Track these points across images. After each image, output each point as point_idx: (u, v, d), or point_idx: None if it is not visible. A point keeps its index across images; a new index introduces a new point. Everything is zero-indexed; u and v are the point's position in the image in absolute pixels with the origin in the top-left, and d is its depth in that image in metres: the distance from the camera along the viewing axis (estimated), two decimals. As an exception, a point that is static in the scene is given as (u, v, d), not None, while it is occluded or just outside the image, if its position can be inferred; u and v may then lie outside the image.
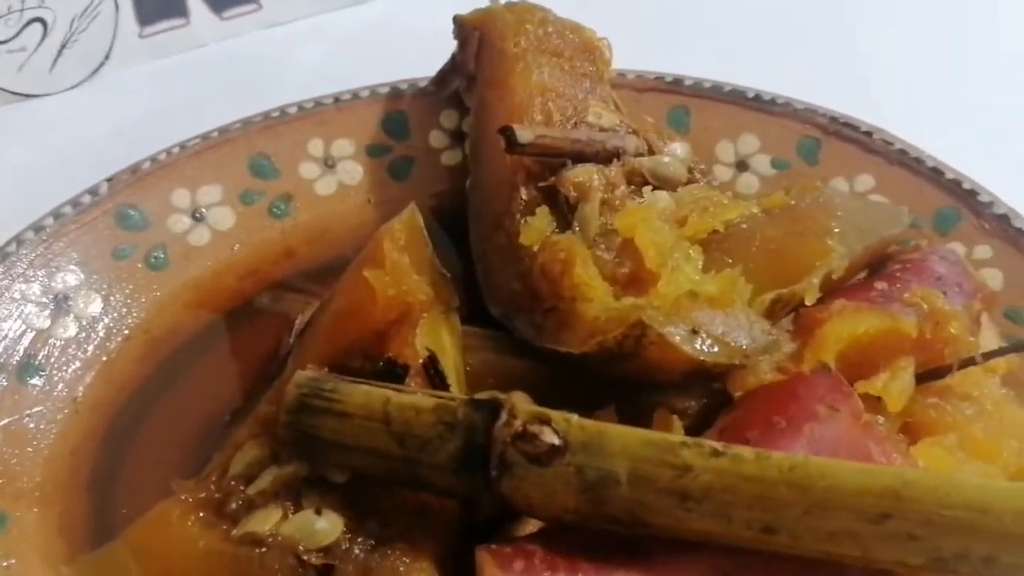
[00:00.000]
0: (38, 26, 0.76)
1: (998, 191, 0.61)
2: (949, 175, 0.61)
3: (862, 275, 0.56)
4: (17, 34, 0.75)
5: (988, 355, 0.52)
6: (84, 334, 0.57)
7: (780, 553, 0.40)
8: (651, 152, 0.58)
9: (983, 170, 0.62)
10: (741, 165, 0.66)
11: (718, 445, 0.40)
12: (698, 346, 0.45)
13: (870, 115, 0.65)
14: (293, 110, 0.65)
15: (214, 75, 0.81)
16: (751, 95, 0.66)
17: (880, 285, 0.54)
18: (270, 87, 0.74)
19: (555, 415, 0.42)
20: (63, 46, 0.77)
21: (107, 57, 0.80)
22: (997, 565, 0.37)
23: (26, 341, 0.55)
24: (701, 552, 0.41)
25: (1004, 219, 0.59)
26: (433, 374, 0.48)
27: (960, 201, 0.61)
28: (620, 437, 0.41)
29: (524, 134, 0.53)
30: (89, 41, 0.78)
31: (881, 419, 0.51)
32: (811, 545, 0.39)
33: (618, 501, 0.40)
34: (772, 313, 0.49)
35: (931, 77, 0.80)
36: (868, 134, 0.64)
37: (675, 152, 0.58)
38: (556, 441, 0.41)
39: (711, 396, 0.51)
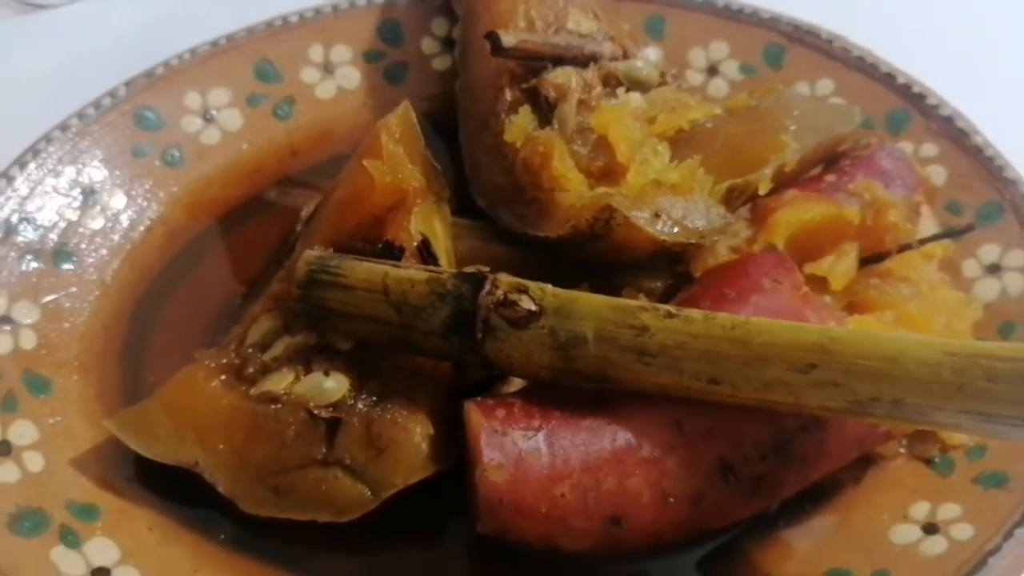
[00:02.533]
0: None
1: (948, 94, 0.66)
2: (901, 79, 0.66)
3: (817, 170, 0.62)
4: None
5: (924, 240, 0.58)
6: (110, 224, 0.62)
7: (724, 403, 0.46)
8: (626, 57, 0.62)
9: (936, 75, 0.67)
10: (712, 70, 0.70)
11: (672, 308, 0.46)
12: (659, 227, 0.51)
13: (834, 23, 0.69)
14: (295, 19, 0.69)
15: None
16: (721, 4, 0.70)
17: (830, 178, 0.59)
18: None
19: (532, 285, 0.47)
20: None
21: None
22: (903, 406, 0.43)
23: (58, 230, 0.60)
24: (657, 403, 0.47)
25: (949, 120, 0.64)
26: (426, 255, 0.53)
27: (910, 103, 0.65)
28: (588, 303, 0.47)
29: (508, 38, 0.58)
30: None
31: (828, 298, 0.57)
32: (750, 394, 0.45)
33: (586, 358, 0.47)
34: (729, 201, 0.55)
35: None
36: (829, 41, 0.68)
37: (648, 57, 0.63)
38: (532, 307, 0.47)
39: (675, 277, 0.57)
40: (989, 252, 0.60)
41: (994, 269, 0.60)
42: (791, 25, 0.69)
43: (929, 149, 0.64)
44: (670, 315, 0.45)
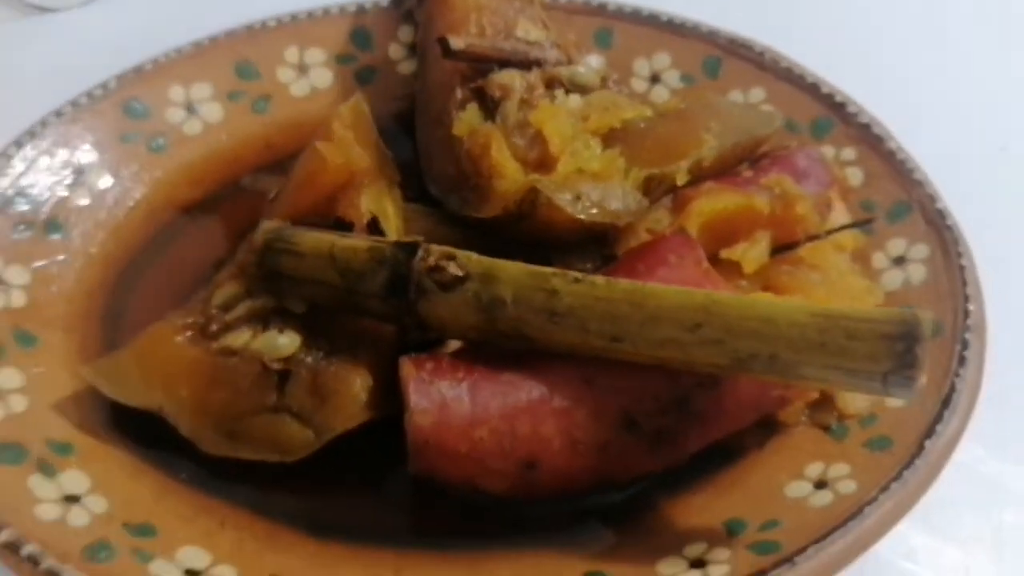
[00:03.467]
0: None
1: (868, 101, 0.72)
2: (825, 89, 0.72)
3: (745, 167, 0.67)
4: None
5: (830, 231, 0.64)
6: (97, 202, 0.67)
7: (627, 360, 0.52)
8: (569, 63, 0.68)
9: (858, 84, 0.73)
10: (654, 78, 0.76)
11: (578, 274, 0.52)
12: (579, 208, 0.57)
13: (767, 36, 0.76)
14: (272, 23, 0.75)
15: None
16: (665, 19, 0.76)
17: (747, 173, 0.65)
18: (255, 3, 0.83)
19: (459, 253, 0.53)
20: None
21: None
22: (777, 362, 0.48)
23: (50, 204, 0.66)
24: (570, 361, 0.53)
25: (866, 127, 0.70)
26: (375, 232, 0.59)
27: (832, 111, 0.71)
28: (507, 269, 0.52)
29: (456, 42, 0.64)
30: None
31: (744, 282, 0.63)
32: (647, 351, 0.51)
33: (505, 319, 0.52)
34: (648, 189, 0.60)
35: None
36: (761, 54, 0.74)
37: (589, 64, 0.69)
38: (459, 272, 0.53)
39: (603, 260, 0.62)
40: (896, 245, 0.66)
41: (900, 261, 0.65)
42: (727, 39, 0.75)
43: (848, 153, 0.70)
44: (577, 280, 0.51)
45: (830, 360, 0.48)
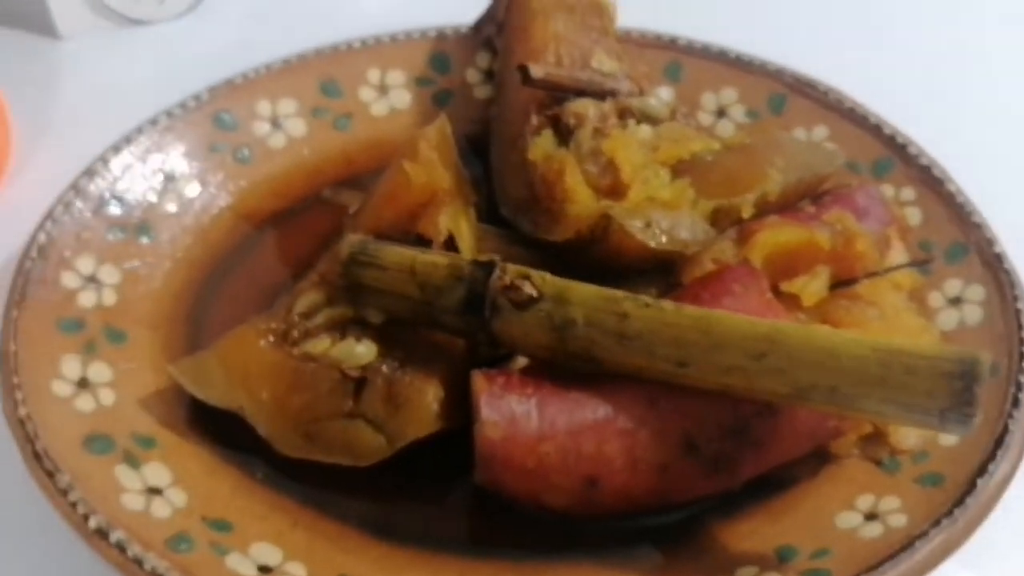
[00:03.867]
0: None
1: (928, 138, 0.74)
2: (887, 130, 0.73)
3: (806, 202, 0.69)
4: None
5: (888, 269, 0.66)
6: (184, 208, 0.71)
7: (691, 385, 0.54)
8: (640, 94, 0.71)
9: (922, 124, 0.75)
10: (721, 113, 0.78)
11: (649, 299, 0.54)
12: (649, 235, 0.59)
13: (829, 75, 0.78)
14: (357, 44, 0.78)
15: (297, 10, 0.93)
16: (733, 55, 0.78)
17: (809, 209, 0.67)
18: (343, 21, 0.87)
19: (534, 273, 0.56)
20: None
21: None
22: (837, 394, 0.50)
23: (141, 208, 0.69)
24: (636, 383, 0.55)
25: (926, 169, 0.71)
26: (451, 250, 0.62)
27: (894, 151, 0.73)
28: (580, 291, 0.55)
29: (536, 70, 0.66)
30: None
31: (802, 315, 0.65)
32: (711, 377, 0.53)
33: (576, 340, 0.54)
34: (716, 220, 0.62)
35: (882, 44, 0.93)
36: (825, 93, 0.76)
37: (660, 96, 0.72)
38: (533, 292, 0.55)
39: (668, 286, 0.64)
40: (952, 286, 0.67)
41: (956, 301, 0.67)
42: (793, 77, 0.77)
43: (907, 193, 0.72)
44: (647, 305, 0.54)
45: (889, 394, 0.49)
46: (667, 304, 0.53)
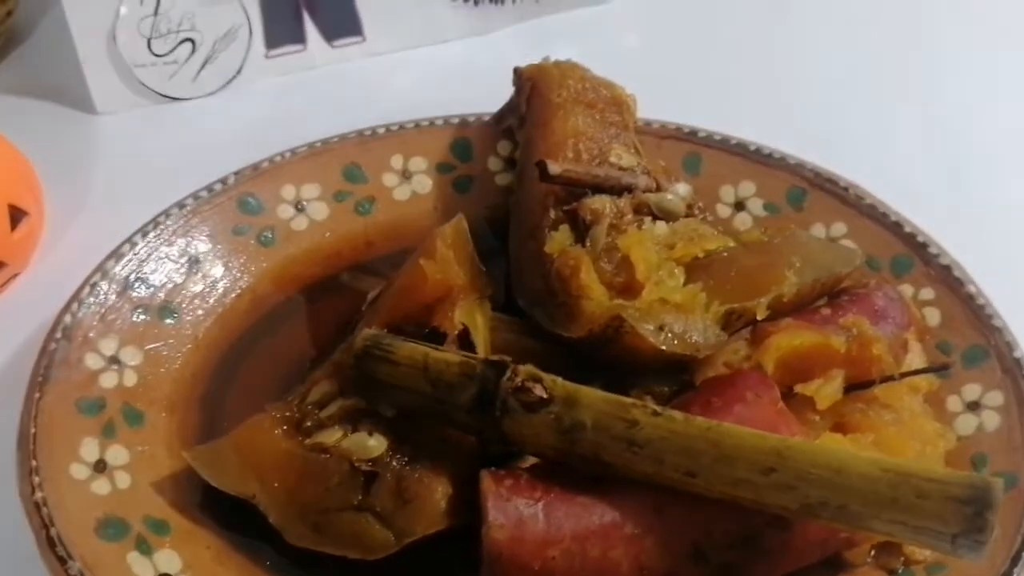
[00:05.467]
0: (188, 44, 0.92)
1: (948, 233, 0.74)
2: (907, 228, 0.73)
3: (823, 302, 0.69)
4: (172, 50, 0.92)
5: (904, 374, 0.65)
6: (207, 289, 0.72)
7: (699, 495, 0.54)
8: (658, 189, 0.72)
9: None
10: (739, 206, 0.78)
11: (658, 407, 0.54)
12: (661, 339, 0.59)
13: (848, 169, 0.78)
14: (382, 130, 0.80)
15: (323, 92, 0.96)
16: (753, 148, 0.79)
17: (825, 311, 0.66)
18: (367, 105, 0.89)
19: (545, 376, 0.56)
20: (206, 61, 0.93)
21: (239, 72, 0.95)
22: (847, 512, 0.50)
23: (166, 290, 0.71)
24: (643, 489, 0.55)
25: (947, 269, 0.71)
26: (465, 343, 0.62)
27: (913, 250, 0.72)
28: (589, 396, 0.55)
29: (554, 167, 0.67)
30: (226, 58, 0.94)
31: (817, 417, 0.64)
32: (720, 488, 0.53)
33: (584, 443, 0.54)
34: (729, 322, 0.62)
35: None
36: (845, 189, 0.76)
37: (677, 191, 0.72)
38: (543, 395, 0.55)
39: (680, 384, 0.64)
40: (971, 391, 0.66)
41: (974, 406, 0.66)
42: (813, 172, 0.78)
43: (927, 293, 0.71)
44: (656, 413, 0.54)
45: (899, 516, 0.49)
46: (676, 414, 0.53)
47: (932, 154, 0.92)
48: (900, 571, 0.59)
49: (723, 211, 0.78)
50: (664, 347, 0.59)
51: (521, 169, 0.75)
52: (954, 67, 1.01)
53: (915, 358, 0.68)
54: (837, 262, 0.69)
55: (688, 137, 0.80)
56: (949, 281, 0.71)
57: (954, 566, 0.58)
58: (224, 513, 0.61)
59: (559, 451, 0.56)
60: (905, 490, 0.49)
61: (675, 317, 0.60)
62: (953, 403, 0.67)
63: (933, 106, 0.97)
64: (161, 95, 0.94)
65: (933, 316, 0.71)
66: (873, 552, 0.60)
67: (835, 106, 0.96)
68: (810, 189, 0.77)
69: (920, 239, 0.73)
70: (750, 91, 0.98)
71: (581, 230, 0.67)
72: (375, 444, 0.59)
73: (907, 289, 0.72)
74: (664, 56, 1.01)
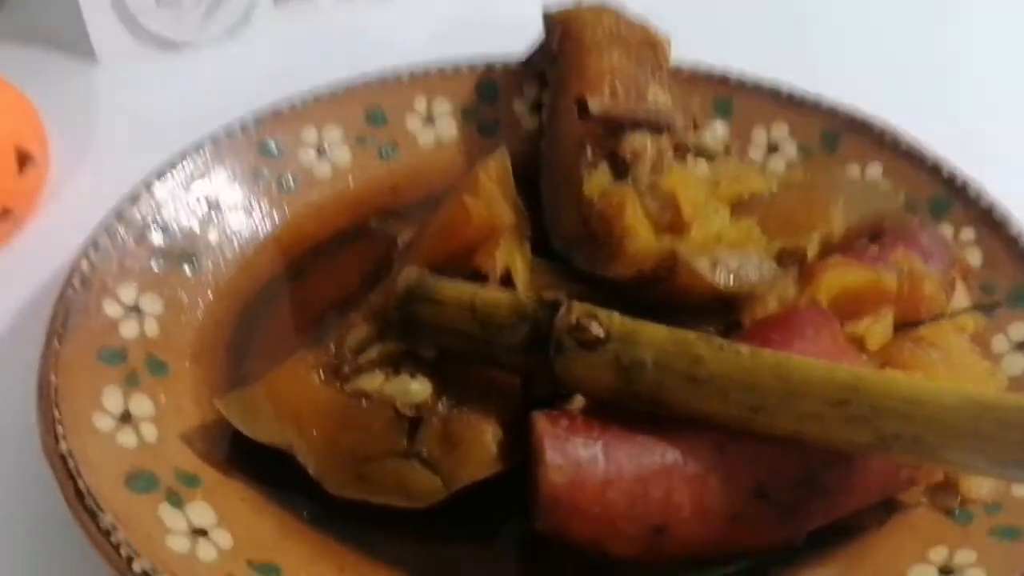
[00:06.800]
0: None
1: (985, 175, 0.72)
2: (945, 170, 0.72)
3: (863, 242, 0.68)
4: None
5: (955, 312, 0.64)
6: (227, 237, 0.69)
7: (763, 433, 0.52)
8: (696, 129, 0.69)
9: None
10: (772, 148, 0.76)
11: (724, 341, 0.52)
12: (717, 275, 0.57)
13: (885, 109, 0.76)
14: (406, 73, 0.77)
15: (335, 40, 0.92)
16: (785, 90, 0.77)
17: (873, 249, 0.65)
18: (380, 56, 0.85)
19: (602, 312, 0.54)
20: (212, 6, 0.89)
21: (246, 18, 0.91)
22: (922, 444, 0.48)
23: (184, 236, 0.68)
24: (704, 428, 0.53)
25: (987, 210, 0.70)
26: (507, 285, 0.60)
27: (952, 192, 0.71)
28: (650, 332, 0.53)
29: (594, 104, 0.65)
30: (233, 3, 0.91)
31: (864, 356, 0.63)
32: (785, 424, 0.51)
33: (644, 382, 0.52)
34: (780, 260, 0.60)
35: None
36: (881, 131, 0.75)
37: (715, 131, 0.70)
38: (601, 333, 0.53)
39: (728, 325, 0.62)
40: (1017, 330, 0.65)
41: (1021, 346, 0.65)
42: (847, 114, 0.76)
43: (967, 233, 0.70)
44: (722, 348, 0.52)
45: (978, 446, 0.48)
46: (743, 348, 0.51)
47: (972, 95, 0.90)
48: (957, 511, 0.58)
49: (756, 153, 0.77)
50: (720, 284, 0.57)
51: (553, 110, 0.72)
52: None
53: (960, 298, 0.66)
54: (880, 201, 0.67)
55: (720, 81, 0.78)
56: (990, 221, 0.70)
57: (1013, 505, 0.57)
58: (256, 463, 0.58)
59: (616, 391, 0.53)
60: (988, 420, 0.47)
61: (729, 254, 0.58)
62: (999, 343, 0.66)
63: (980, 50, 0.95)
64: (167, 40, 0.91)
65: (975, 256, 0.70)
66: (928, 493, 0.59)
67: (871, 48, 0.94)
68: (844, 132, 0.76)
69: (959, 181, 0.72)
70: (784, 35, 0.96)
71: (621, 170, 0.65)
72: (419, 388, 0.56)
73: (947, 229, 0.71)
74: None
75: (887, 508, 0.58)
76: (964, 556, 0.55)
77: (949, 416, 0.48)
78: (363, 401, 0.57)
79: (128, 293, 0.64)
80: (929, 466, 0.52)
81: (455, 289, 0.56)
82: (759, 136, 0.77)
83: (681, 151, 0.67)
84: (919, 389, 0.49)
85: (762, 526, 0.53)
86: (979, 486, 0.58)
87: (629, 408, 0.54)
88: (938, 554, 0.56)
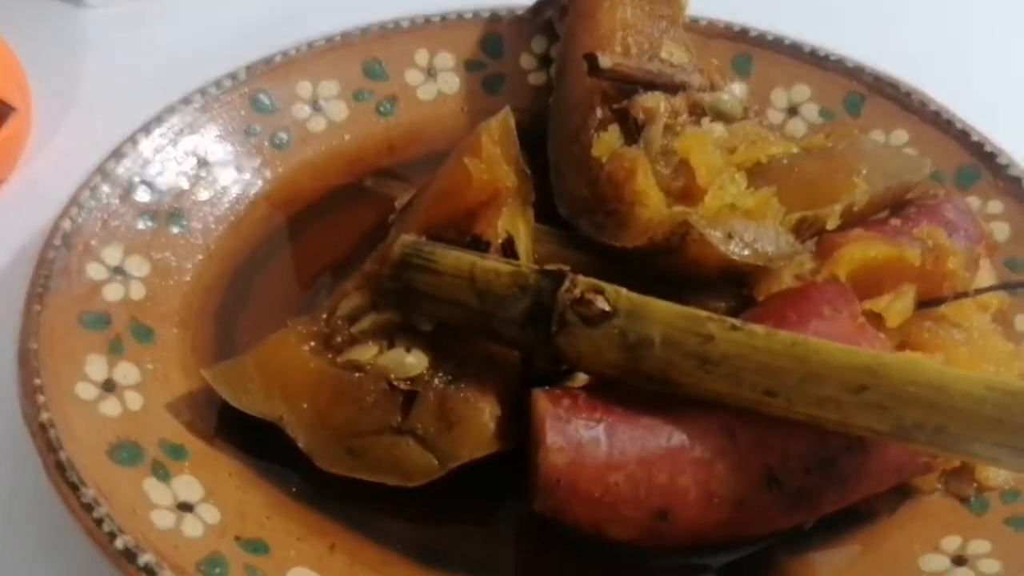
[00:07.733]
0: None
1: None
2: (974, 137, 0.69)
3: (885, 213, 0.64)
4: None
5: (979, 291, 0.61)
6: (218, 196, 0.66)
7: (775, 416, 0.49)
8: (712, 89, 0.66)
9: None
10: (792, 111, 0.73)
11: (737, 321, 0.49)
12: (731, 247, 0.54)
13: (911, 73, 0.72)
14: (406, 23, 0.73)
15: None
16: (808, 49, 0.73)
17: (895, 222, 0.62)
18: (380, 7, 0.82)
19: (608, 287, 0.51)
20: None
21: None
22: (945, 434, 0.46)
23: (172, 195, 0.65)
24: (712, 410, 0.51)
25: (1017, 181, 0.67)
26: (509, 252, 0.57)
27: (981, 161, 0.68)
28: (658, 308, 0.50)
29: (605, 60, 0.61)
30: None
31: (882, 335, 0.60)
32: (802, 409, 0.48)
33: (651, 360, 0.50)
34: (798, 232, 0.57)
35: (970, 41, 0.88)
36: (907, 94, 0.71)
37: (733, 91, 0.67)
38: (607, 307, 0.50)
39: (739, 300, 0.60)
40: (1044, 309, 0.63)
41: (1046, 326, 0.62)
42: (872, 76, 0.72)
43: (995, 206, 0.67)
44: (735, 328, 0.49)
45: (1006, 438, 0.45)
46: (757, 328, 0.49)
47: (1005, 62, 0.86)
48: (972, 498, 0.55)
49: (775, 116, 0.74)
50: (735, 256, 0.54)
51: (562, 65, 0.69)
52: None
53: (985, 274, 0.63)
54: (906, 170, 0.64)
55: (739, 36, 0.75)
56: (1019, 193, 0.67)
57: (1030, 492, 0.55)
58: (246, 436, 0.56)
59: (621, 369, 0.51)
60: (1014, 410, 0.44)
61: (745, 224, 0.55)
62: (1022, 322, 0.62)
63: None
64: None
65: (1002, 231, 0.66)
66: (943, 479, 0.56)
67: (899, 8, 0.90)
68: (869, 94, 0.72)
69: (988, 149, 0.69)
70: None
71: (632, 131, 0.62)
72: (414, 361, 0.54)
73: (973, 202, 0.67)
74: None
75: (900, 494, 0.56)
76: (978, 546, 0.53)
77: (974, 406, 0.45)
78: (356, 374, 0.54)
79: (112, 254, 0.61)
80: (955, 458, 0.49)
81: (453, 258, 0.53)
82: (778, 98, 0.74)
83: (696, 112, 0.64)
84: (941, 376, 0.46)
85: (770, 513, 0.51)
86: (996, 473, 0.56)
87: (633, 387, 0.51)
88: (951, 543, 0.54)
